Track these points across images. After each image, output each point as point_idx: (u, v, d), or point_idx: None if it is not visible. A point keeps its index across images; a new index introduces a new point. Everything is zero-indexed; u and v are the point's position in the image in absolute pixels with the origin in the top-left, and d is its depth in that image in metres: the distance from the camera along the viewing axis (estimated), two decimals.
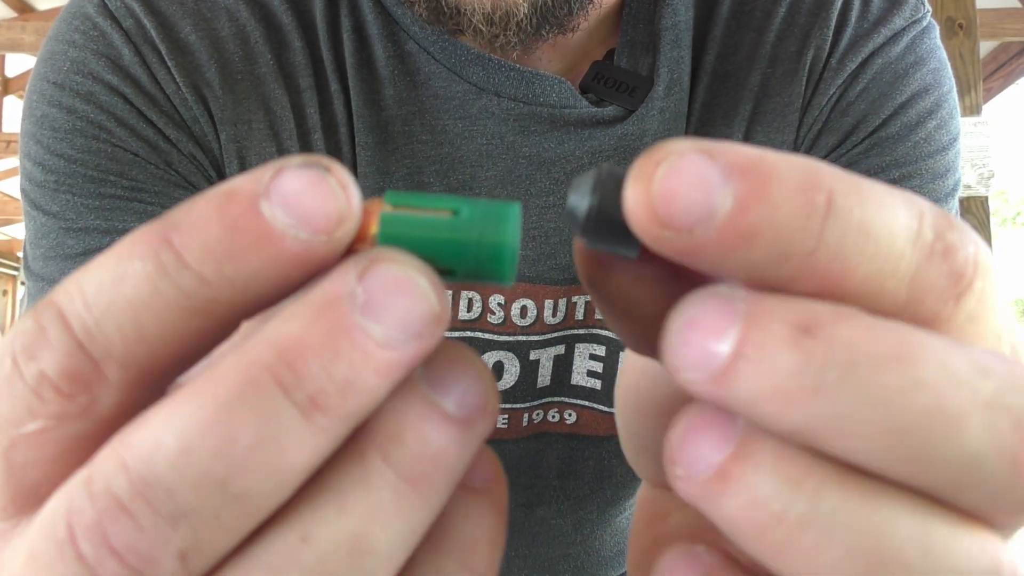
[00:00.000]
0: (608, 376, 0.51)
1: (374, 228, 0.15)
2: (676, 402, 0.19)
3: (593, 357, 0.50)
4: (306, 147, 0.46)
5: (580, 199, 0.15)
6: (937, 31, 0.52)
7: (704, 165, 0.13)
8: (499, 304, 0.48)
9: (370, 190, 0.46)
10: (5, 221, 6.09)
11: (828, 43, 0.50)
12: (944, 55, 0.52)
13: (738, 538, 0.14)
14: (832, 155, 0.49)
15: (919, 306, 0.14)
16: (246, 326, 0.15)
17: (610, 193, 0.15)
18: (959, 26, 2.51)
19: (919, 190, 0.49)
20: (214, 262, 0.13)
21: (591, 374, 0.51)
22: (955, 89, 0.52)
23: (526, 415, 0.51)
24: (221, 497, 0.13)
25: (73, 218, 0.43)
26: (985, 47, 3.70)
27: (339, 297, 0.13)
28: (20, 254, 0.54)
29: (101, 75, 0.44)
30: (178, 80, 0.45)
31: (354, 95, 0.46)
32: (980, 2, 2.56)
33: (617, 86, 0.48)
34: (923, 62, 0.50)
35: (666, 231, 0.13)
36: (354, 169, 0.46)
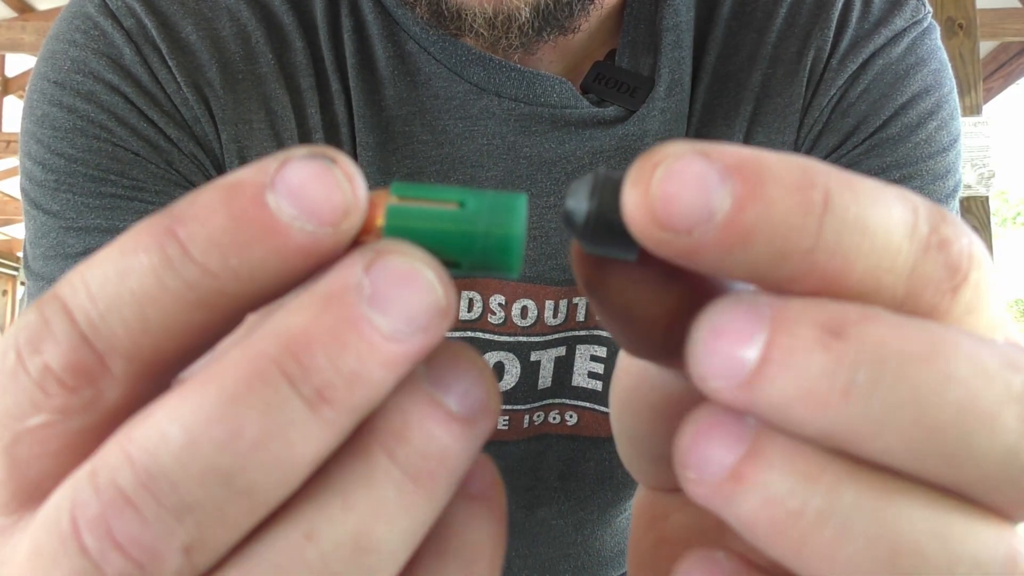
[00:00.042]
0: (609, 377, 0.51)
1: (380, 220, 0.14)
2: (673, 404, 0.19)
3: (594, 358, 0.50)
4: None
5: (578, 204, 0.15)
6: (938, 32, 0.52)
7: (701, 166, 0.13)
8: (500, 304, 0.48)
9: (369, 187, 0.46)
10: (5, 221, 6.09)
11: (829, 44, 0.50)
12: (945, 56, 0.52)
13: (755, 539, 0.14)
14: (833, 156, 0.49)
15: (917, 299, 0.14)
16: (251, 319, 0.15)
17: (608, 197, 0.15)
18: (959, 26, 2.51)
19: (920, 191, 0.49)
20: (219, 254, 0.13)
21: (592, 375, 0.51)
22: (956, 90, 0.52)
23: (527, 416, 0.51)
24: (227, 490, 0.13)
25: (73, 217, 0.43)
26: (985, 47, 3.70)
27: (346, 289, 0.13)
28: (20, 254, 0.54)
29: (102, 74, 0.44)
30: (179, 80, 0.45)
31: (355, 95, 0.46)
32: (980, 2, 2.56)
33: (618, 86, 0.48)
34: (924, 63, 0.50)
35: (666, 233, 0.13)
36: None
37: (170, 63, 0.45)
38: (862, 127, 0.49)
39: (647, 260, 0.15)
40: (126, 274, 0.13)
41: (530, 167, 0.48)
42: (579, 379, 0.51)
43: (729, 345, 0.13)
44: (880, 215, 0.13)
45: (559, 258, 0.48)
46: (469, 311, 0.48)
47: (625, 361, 0.20)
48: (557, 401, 0.51)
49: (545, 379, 0.50)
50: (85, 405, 0.14)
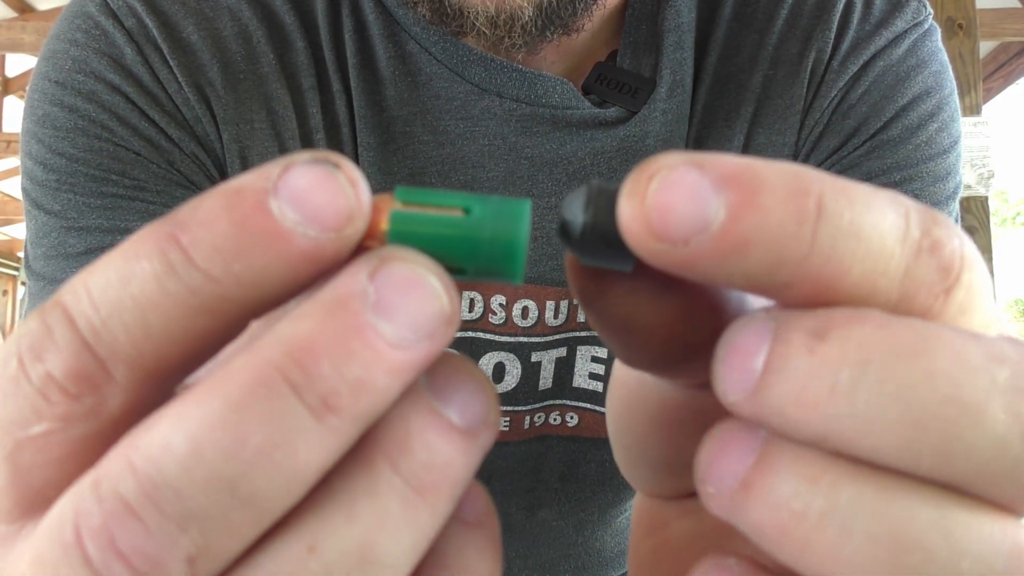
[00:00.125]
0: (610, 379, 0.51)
1: (384, 225, 0.14)
2: (670, 414, 0.19)
3: (595, 359, 0.50)
4: (308, 147, 0.46)
5: (573, 216, 0.15)
6: (939, 34, 0.52)
7: (696, 177, 0.13)
8: (501, 305, 0.48)
9: (372, 190, 0.46)
10: (5, 221, 6.08)
11: (830, 45, 0.50)
12: (946, 58, 0.52)
13: (765, 544, 0.14)
14: (833, 157, 0.49)
15: (911, 302, 0.14)
16: (255, 325, 0.14)
17: (603, 209, 0.15)
18: (959, 26, 2.51)
19: (920, 193, 0.49)
20: (222, 260, 0.13)
21: (593, 376, 0.51)
22: (956, 92, 0.52)
23: (527, 417, 0.50)
24: (231, 499, 0.12)
25: (75, 217, 0.43)
26: (985, 47, 3.70)
27: (351, 296, 0.13)
28: (20, 254, 0.54)
29: (103, 74, 0.44)
30: (180, 79, 0.45)
31: (356, 95, 0.46)
32: (980, 2, 2.57)
33: (620, 87, 0.48)
34: (925, 65, 0.50)
35: (662, 244, 0.13)
36: None
37: (171, 63, 0.45)
38: (863, 129, 0.49)
39: (643, 271, 0.15)
40: (128, 280, 0.13)
41: (531, 168, 0.48)
42: (580, 380, 0.51)
43: (740, 359, 0.14)
44: (873, 220, 0.13)
45: (560, 259, 0.48)
46: (470, 311, 0.48)
47: (621, 372, 0.20)
48: (558, 402, 0.51)
49: (546, 380, 0.50)
50: (88, 412, 0.13)
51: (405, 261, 0.14)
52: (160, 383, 0.14)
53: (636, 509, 0.22)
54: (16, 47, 3.65)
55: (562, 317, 0.49)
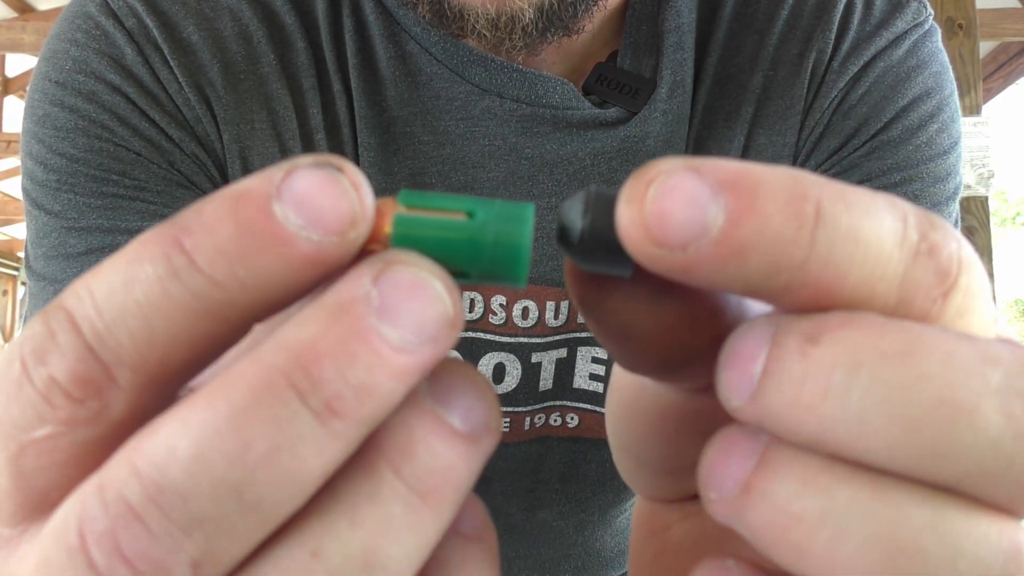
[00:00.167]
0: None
1: (388, 229, 0.14)
2: (669, 418, 0.19)
3: (596, 360, 0.50)
4: (309, 147, 0.46)
5: (571, 222, 0.15)
6: (939, 34, 0.52)
7: (694, 182, 0.13)
8: (501, 305, 0.48)
9: (373, 191, 0.46)
10: (5, 221, 6.08)
11: (830, 46, 0.50)
12: (946, 58, 0.52)
13: (764, 548, 0.14)
14: (833, 158, 0.49)
15: (909, 306, 0.14)
16: (258, 329, 0.15)
17: (601, 214, 0.15)
18: (959, 26, 2.51)
19: (920, 194, 0.49)
20: (226, 264, 0.13)
21: (593, 377, 0.51)
22: (956, 92, 0.52)
23: (528, 419, 0.50)
24: (236, 504, 0.12)
25: (75, 217, 0.43)
26: (985, 47, 3.70)
27: (355, 300, 0.13)
28: (20, 254, 0.54)
29: (103, 74, 0.44)
30: (180, 80, 0.45)
31: (356, 96, 0.46)
32: (980, 2, 2.57)
33: (620, 88, 0.48)
34: (925, 65, 0.50)
35: (661, 250, 0.14)
36: None
37: (172, 63, 0.45)
38: (863, 129, 0.49)
39: (642, 276, 0.16)
40: (132, 284, 0.13)
41: (532, 168, 0.48)
42: (580, 381, 0.51)
43: (741, 365, 0.14)
44: (871, 225, 0.14)
45: (560, 259, 0.48)
46: (470, 311, 0.48)
47: (620, 376, 0.20)
48: (558, 403, 0.51)
49: (546, 381, 0.50)
50: (91, 417, 0.13)
51: (409, 265, 0.14)
52: (163, 387, 0.14)
53: (636, 512, 0.22)
54: (16, 47, 3.65)
55: (562, 318, 0.49)
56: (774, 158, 0.50)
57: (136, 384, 0.14)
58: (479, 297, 0.47)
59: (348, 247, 0.14)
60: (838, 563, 0.13)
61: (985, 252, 2.39)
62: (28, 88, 0.47)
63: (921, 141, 0.49)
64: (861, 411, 0.13)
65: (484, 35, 0.42)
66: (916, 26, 0.50)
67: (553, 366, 0.50)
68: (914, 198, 0.49)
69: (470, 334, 0.48)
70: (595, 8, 0.45)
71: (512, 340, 0.48)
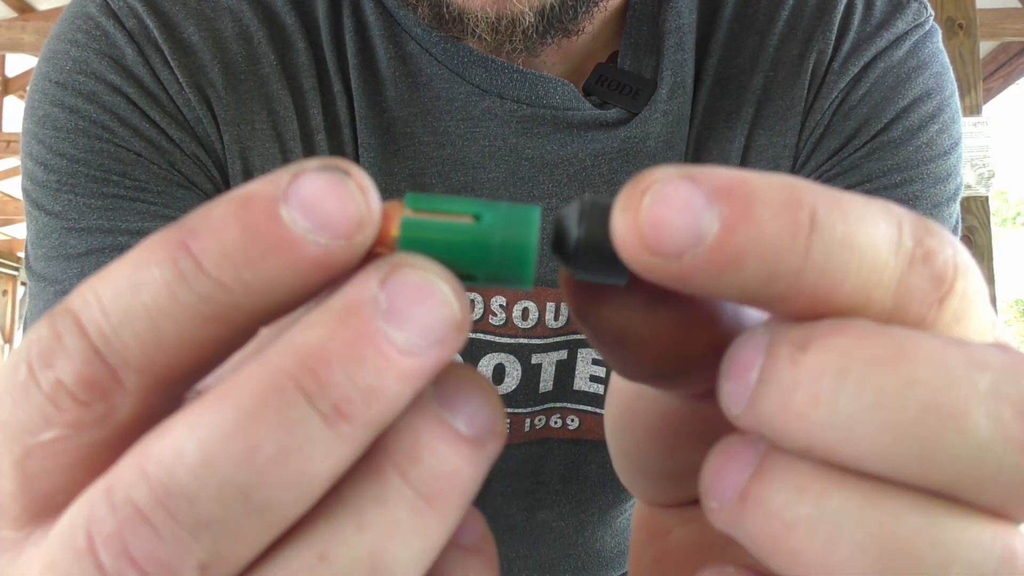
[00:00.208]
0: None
1: (394, 232, 0.14)
2: (668, 423, 0.19)
3: (596, 362, 0.50)
4: (309, 148, 0.46)
5: (566, 231, 0.15)
6: (940, 35, 0.52)
7: (689, 191, 0.13)
8: (501, 306, 0.48)
9: None
10: (5, 221, 6.08)
11: (831, 47, 0.50)
12: (946, 59, 0.52)
13: (760, 554, 0.14)
14: (834, 159, 0.49)
15: (905, 312, 0.14)
16: (264, 332, 0.15)
17: (596, 223, 0.15)
18: (959, 26, 2.51)
19: (920, 194, 0.49)
20: (232, 268, 0.13)
21: (594, 379, 0.50)
22: (957, 93, 0.52)
23: (528, 420, 0.50)
24: (244, 507, 0.12)
25: (75, 218, 0.43)
26: (985, 47, 3.70)
27: (362, 303, 0.13)
28: (20, 254, 0.54)
29: (104, 75, 0.44)
30: (181, 80, 0.45)
31: (357, 96, 0.46)
32: (980, 2, 2.57)
33: (620, 88, 0.48)
34: (926, 66, 0.50)
35: (656, 258, 0.14)
36: None
37: (172, 64, 0.45)
38: (863, 130, 0.49)
39: (637, 285, 0.16)
40: (139, 288, 0.13)
41: (532, 169, 0.48)
42: (580, 383, 0.50)
43: (739, 374, 0.14)
44: (866, 232, 0.14)
45: None
46: (471, 312, 0.48)
47: (618, 382, 0.20)
48: (558, 405, 0.51)
49: (546, 383, 0.50)
50: (97, 420, 0.13)
51: (416, 268, 0.14)
52: (170, 390, 0.14)
53: (636, 517, 0.22)
54: (16, 47, 3.65)
55: (562, 319, 0.49)
56: (774, 159, 0.50)
57: (142, 387, 0.14)
58: (479, 298, 0.47)
59: (355, 250, 0.14)
60: (831, 569, 0.13)
61: (985, 252, 2.39)
62: (28, 88, 0.47)
63: (922, 142, 0.49)
64: (850, 417, 0.13)
65: (484, 38, 0.42)
66: (917, 27, 0.50)
67: (553, 368, 0.50)
68: (914, 199, 0.49)
69: (470, 335, 0.48)
70: (595, 9, 0.45)
71: (512, 341, 0.48)
